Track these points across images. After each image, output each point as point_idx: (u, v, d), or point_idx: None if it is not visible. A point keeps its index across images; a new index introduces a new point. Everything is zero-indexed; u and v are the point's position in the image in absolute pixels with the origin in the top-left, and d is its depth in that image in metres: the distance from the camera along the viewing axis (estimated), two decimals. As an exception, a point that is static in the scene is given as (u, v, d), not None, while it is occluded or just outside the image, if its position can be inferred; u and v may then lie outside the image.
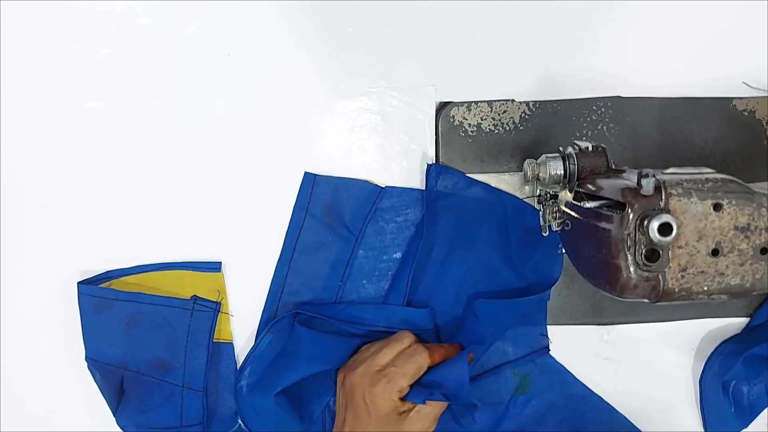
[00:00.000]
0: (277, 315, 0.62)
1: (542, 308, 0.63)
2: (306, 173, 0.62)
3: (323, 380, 0.61)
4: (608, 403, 0.63)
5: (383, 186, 0.62)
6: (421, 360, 0.56)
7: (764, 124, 0.62)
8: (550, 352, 0.63)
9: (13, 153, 0.62)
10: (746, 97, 0.62)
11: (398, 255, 0.62)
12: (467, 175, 0.62)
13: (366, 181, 0.62)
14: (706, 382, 0.62)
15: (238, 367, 0.62)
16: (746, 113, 0.62)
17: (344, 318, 0.61)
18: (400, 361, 0.55)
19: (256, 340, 0.61)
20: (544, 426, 0.63)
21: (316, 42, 0.61)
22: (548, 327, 0.63)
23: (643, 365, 0.64)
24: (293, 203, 0.62)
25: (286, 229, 0.62)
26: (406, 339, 0.57)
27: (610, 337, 0.64)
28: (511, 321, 0.61)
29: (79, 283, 0.61)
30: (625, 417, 0.63)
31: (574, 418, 0.63)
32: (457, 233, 0.62)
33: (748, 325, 0.63)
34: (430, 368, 0.56)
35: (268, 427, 0.60)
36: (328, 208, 0.62)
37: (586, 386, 0.63)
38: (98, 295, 0.61)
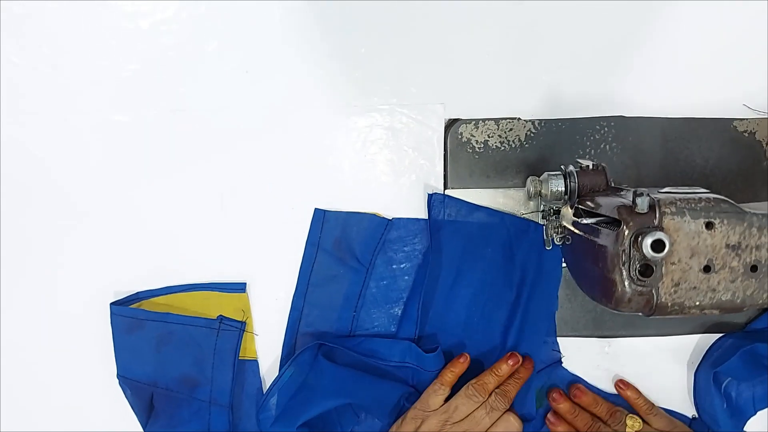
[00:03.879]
0: (297, 346, 0.64)
1: (551, 319, 0.65)
2: (316, 210, 0.64)
3: (344, 412, 0.63)
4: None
5: (390, 218, 0.64)
6: None
7: (764, 145, 0.64)
8: (563, 365, 0.65)
9: (53, 172, 0.65)
10: (747, 119, 0.64)
11: (408, 283, 0.65)
12: (469, 201, 0.64)
13: (374, 215, 0.64)
14: (701, 373, 0.64)
15: (263, 395, 0.64)
16: (746, 134, 0.64)
17: (361, 351, 0.63)
18: None
19: (279, 372, 0.63)
20: None
21: (331, 61, 0.63)
22: (551, 338, 0.65)
23: (642, 378, 0.65)
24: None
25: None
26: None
27: (611, 349, 0.65)
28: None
29: (111, 304, 0.63)
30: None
31: None
32: (463, 258, 0.64)
33: (750, 326, 0.65)
34: None
35: None
36: (338, 243, 0.64)
37: (602, 391, 0.65)
38: (129, 316, 0.63)
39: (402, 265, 0.65)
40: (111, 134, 0.64)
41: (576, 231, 0.52)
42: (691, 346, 0.66)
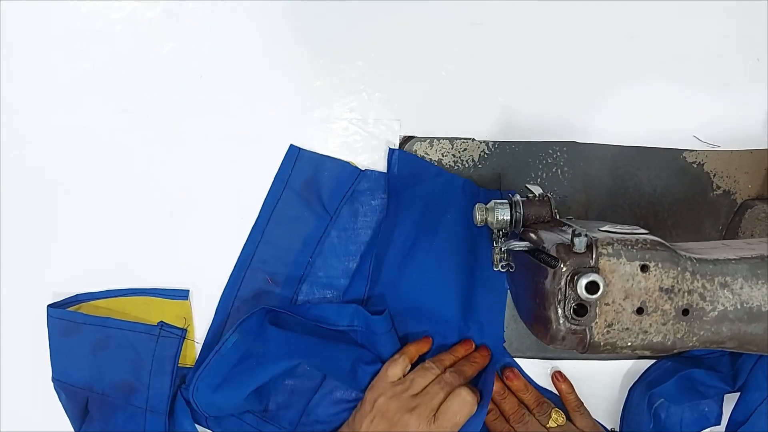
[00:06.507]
0: (245, 279, 0.63)
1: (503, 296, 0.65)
2: (291, 146, 0.63)
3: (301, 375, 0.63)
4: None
5: (363, 169, 0.64)
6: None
7: (712, 176, 0.65)
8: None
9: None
10: (696, 150, 0.65)
11: (368, 238, 0.64)
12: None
13: (347, 163, 0.64)
14: (635, 391, 0.65)
15: (195, 365, 0.63)
16: (695, 165, 0.65)
17: (310, 317, 0.62)
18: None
19: (221, 338, 0.62)
20: None
21: (289, 70, 0.63)
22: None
23: (583, 399, 0.66)
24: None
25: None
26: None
27: (549, 384, 0.66)
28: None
29: (48, 306, 0.63)
30: None
31: None
32: (422, 223, 0.63)
33: (689, 351, 0.66)
34: None
35: (237, 411, 0.62)
36: (307, 184, 0.64)
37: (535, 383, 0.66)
38: (67, 319, 0.62)
39: (367, 218, 0.64)
40: (56, 134, 0.63)
41: (519, 253, 0.53)
42: (631, 369, 0.67)
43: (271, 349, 0.60)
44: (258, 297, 0.64)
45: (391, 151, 0.63)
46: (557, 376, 0.65)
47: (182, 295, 0.64)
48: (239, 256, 0.64)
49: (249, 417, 0.63)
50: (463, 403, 0.58)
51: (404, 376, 0.60)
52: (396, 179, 0.63)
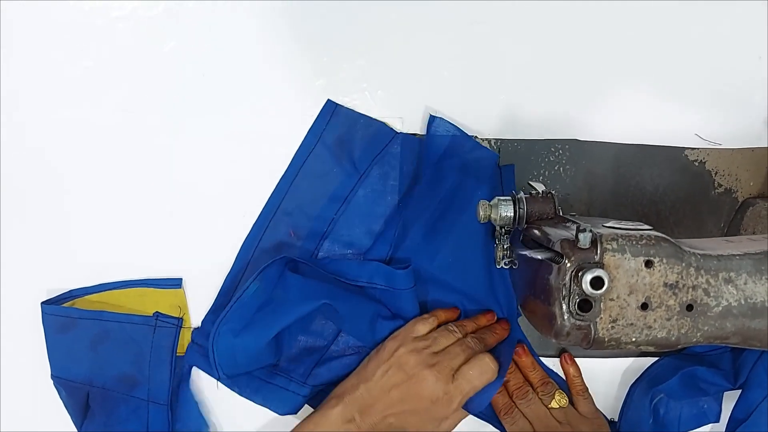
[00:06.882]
0: (268, 229, 0.63)
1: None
2: (328, 101, 0.63)
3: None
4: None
5: (399, 131, 0.63)
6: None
7: (713, 175, 0.65)
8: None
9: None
10: (698, 148, 0.65)
11: (395, 202, 0.63)
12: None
13: (384, 123, 0.63)
14: (637, 386, 0.65)
15: (211, 310, 0.64)
16: (697, 164, 0.65)
17: (330, 271, 0.62)
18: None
19: (241, 285, 0.62)
20: None
21: (291, 69, 0.63)
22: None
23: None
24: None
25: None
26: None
27: (556, 368, 0.66)
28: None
29: (42, 303, 0.62)
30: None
31: None
32: (453, 195, 0.62)
33: (690, 348, 0.66)
34: None
35: (253, 365, 0.61)
36: (340, 140, 0.63)
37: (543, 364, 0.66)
38: (62, 315, 0.62)
39: (396, 182, 0.63)
40: (56, 133, 0.63)
41: (522, 253, 0.53)
42: (631, 367, 0.67)
43: (291, 295, 0.60)
44: (279, 249, 0.64)
45: (432, 117, 0.62)
46: (566, 359, 0.65)
47: (175, 283, 0.64)
48: (264, 207, 0.63)
49: (258, 371, 0.62)
50: (485, 368, 0.58)
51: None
52: (433, 147, 0.62)
